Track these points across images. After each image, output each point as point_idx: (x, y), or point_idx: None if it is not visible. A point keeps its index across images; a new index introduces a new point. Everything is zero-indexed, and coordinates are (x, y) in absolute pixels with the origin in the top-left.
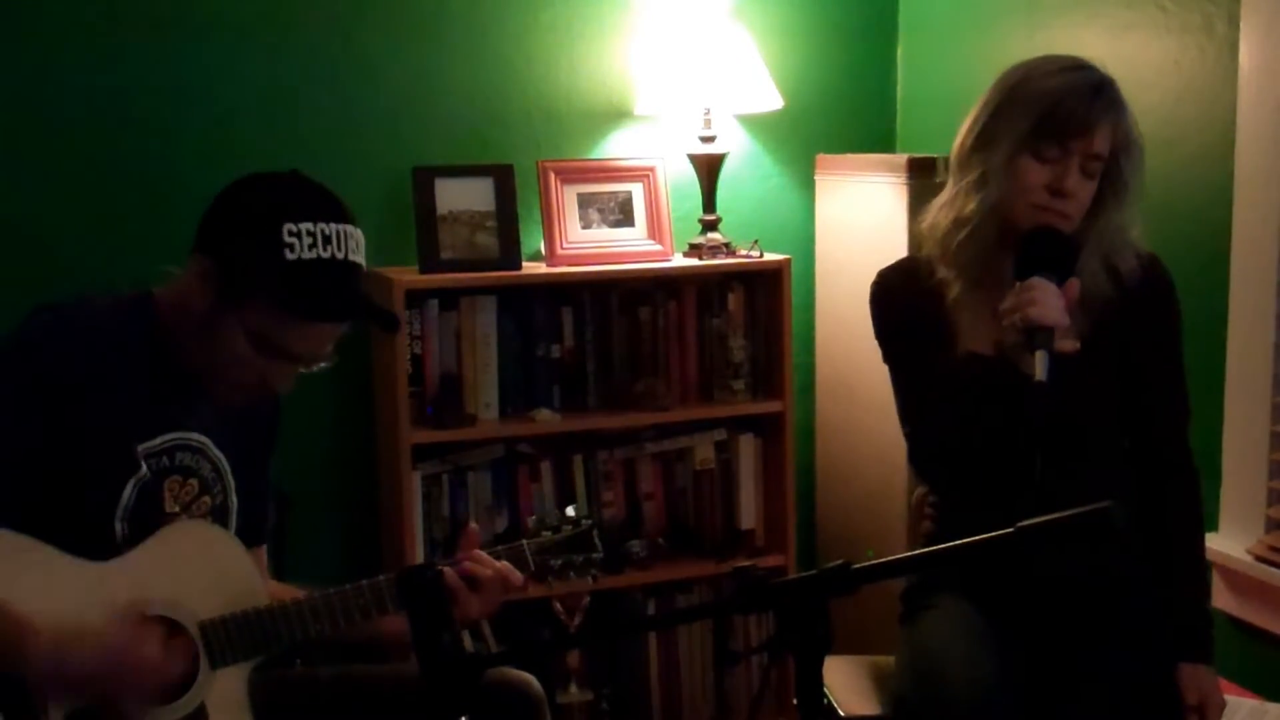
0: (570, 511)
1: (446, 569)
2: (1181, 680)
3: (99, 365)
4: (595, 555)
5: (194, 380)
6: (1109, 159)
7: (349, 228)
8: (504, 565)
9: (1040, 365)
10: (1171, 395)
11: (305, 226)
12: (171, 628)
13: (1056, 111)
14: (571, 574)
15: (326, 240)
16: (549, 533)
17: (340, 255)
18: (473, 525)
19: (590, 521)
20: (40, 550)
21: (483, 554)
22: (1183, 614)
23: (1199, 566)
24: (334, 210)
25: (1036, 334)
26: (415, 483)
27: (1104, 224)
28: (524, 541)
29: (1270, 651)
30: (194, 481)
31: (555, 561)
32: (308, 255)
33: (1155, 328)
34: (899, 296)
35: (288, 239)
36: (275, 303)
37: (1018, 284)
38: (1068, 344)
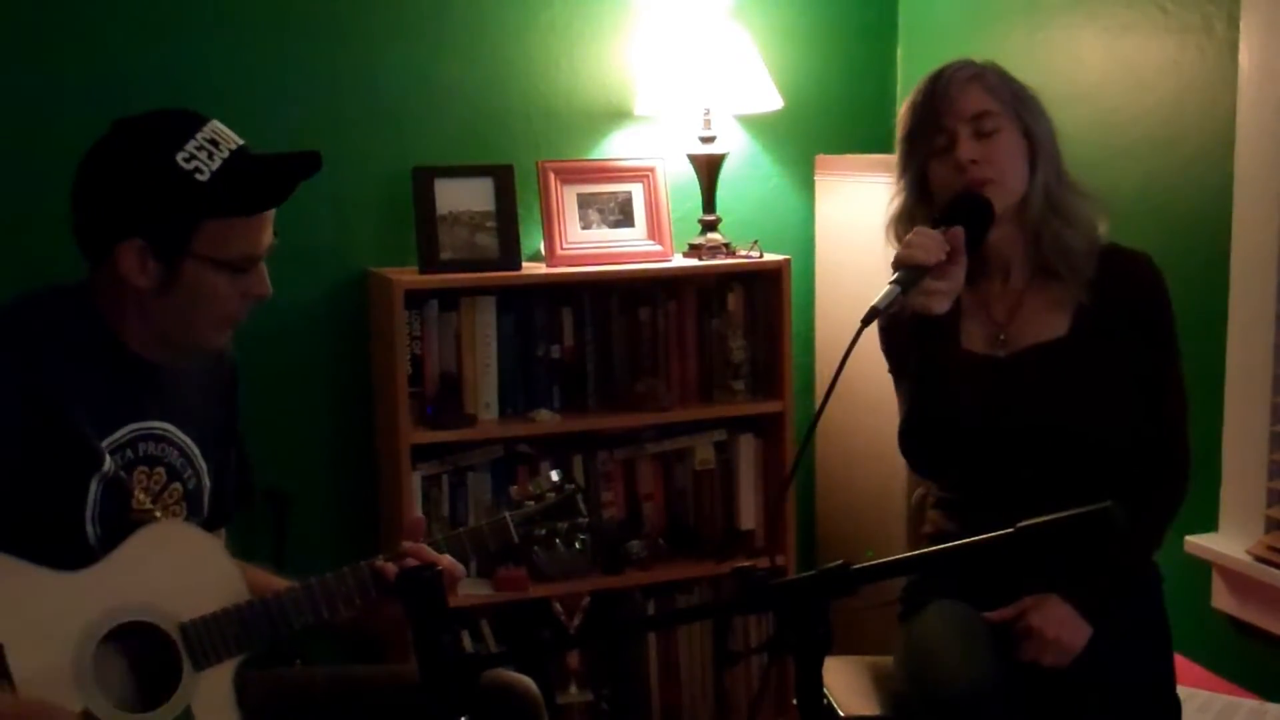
0: (555, 476)
1: (384, 564)
2: (1047, 608)
3: (53, 366)
4: (581, 520)
5: (149, 368)
6: (1006, 111)
7: (212, 122)
8: (446, 559)
9: (884, 295)
10: (1170, 394)
11: (189, 148)
12: (149, 632)
13: (915, 121)
14: (558, 542)
15: (213, 143)
16: (532, 502)
17: (233, 146)
18: (417, 515)
19: (573, 486)
20: (9, 564)
21: (421, 546)
22: (1106, 571)
23: (1149, 541)
24: (188, 119)
25: (905, 272)
26: (415, 483)
27: (1037, 179)
28: (507, 514)
29: (1270, 651)
30: (161, 470)
31: (540, 531)
32: (214, 164)
33: (1149, 329)
34: (902, 321)
35: (187, 166)
36: (221, 217)
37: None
38: (931, 289)
